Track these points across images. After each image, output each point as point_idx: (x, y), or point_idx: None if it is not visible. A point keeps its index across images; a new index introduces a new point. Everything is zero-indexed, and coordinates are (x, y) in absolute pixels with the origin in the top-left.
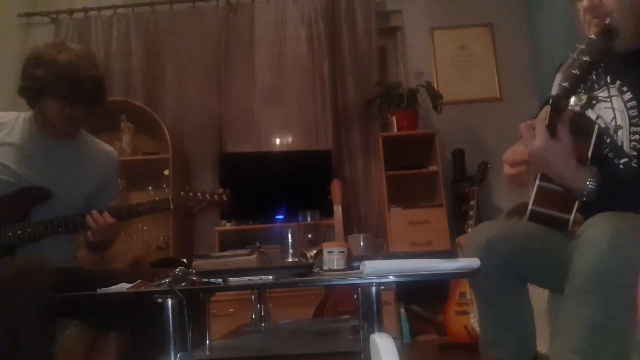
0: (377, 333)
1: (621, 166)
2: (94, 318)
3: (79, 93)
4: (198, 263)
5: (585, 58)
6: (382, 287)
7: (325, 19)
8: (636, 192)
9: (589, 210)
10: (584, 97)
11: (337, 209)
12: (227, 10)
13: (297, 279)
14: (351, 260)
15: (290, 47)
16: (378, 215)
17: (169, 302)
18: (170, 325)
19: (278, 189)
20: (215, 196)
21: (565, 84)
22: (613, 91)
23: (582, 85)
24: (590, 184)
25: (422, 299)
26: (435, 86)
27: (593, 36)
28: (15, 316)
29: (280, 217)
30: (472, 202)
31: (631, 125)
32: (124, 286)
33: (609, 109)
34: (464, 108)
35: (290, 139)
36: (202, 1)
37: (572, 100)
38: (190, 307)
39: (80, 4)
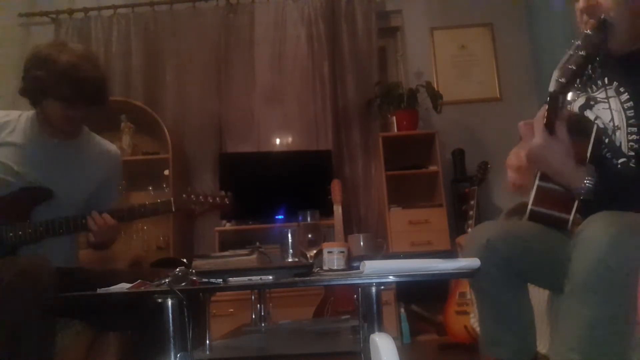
0: (377, 333)
1: (619, 166)
2: (94, 318)
3: (80, 94)
4: (198, 263)
5: (581, 53)
6: (382, 287)
7: (325, 19)
8: (634, 191)
9: (587, 210)
10: (583, 97)
11: (337, 209)
12: (227, 10)
13: (297, 279)
14: (351, 260)
15: (290, 47)
16: (378, 215)
17: (169, 302)
18: (170, 325)
19: (278, 189)
20: (217, 199)
21: (562, 80)
22: (610, 92)
23: (578, 80)
24: (588, 182)
25: (422, 299)
26: (435, 86)
27: (588, 31)
28: (15, 316)
29: (280, 217)
30: (472, 202)
31: (628, 125)
32: (124, 286)
33: (607, 110)
34: (464, 108)
35: (290, 139)
36: (202, 1)
37: (570, 95)
38: (190, 307)
39: (80, 4)
